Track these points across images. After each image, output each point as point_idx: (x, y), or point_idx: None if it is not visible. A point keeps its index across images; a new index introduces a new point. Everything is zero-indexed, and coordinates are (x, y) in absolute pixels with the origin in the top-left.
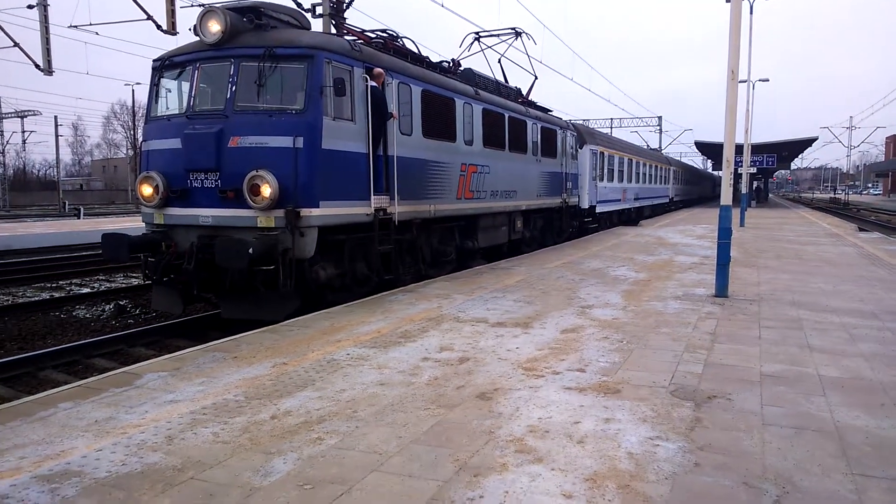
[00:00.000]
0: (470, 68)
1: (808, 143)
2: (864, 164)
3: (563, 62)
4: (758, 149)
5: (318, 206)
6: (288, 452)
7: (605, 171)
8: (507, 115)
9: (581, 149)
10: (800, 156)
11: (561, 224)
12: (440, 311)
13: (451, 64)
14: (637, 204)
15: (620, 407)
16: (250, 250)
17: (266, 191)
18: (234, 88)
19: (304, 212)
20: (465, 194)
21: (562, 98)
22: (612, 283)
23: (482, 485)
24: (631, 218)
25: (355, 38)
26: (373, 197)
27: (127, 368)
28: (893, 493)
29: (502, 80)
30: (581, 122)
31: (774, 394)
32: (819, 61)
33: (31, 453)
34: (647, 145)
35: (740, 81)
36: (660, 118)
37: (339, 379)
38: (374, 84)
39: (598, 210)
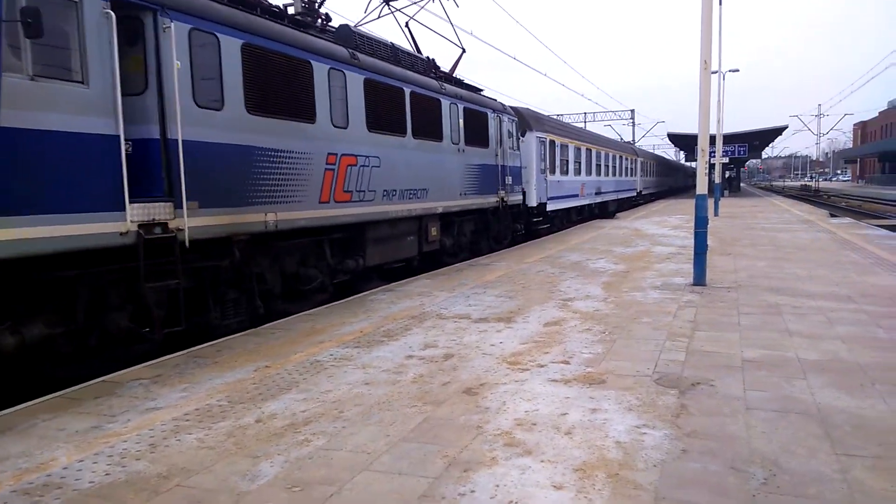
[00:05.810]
0: (347, 25)
1: (778, 131)
2: (833, 152)
3: (539, 58)
4: (729, 139)
5: None
6: (275, 455)
7: (558, 162)
8: (407, 91)
9: (524, 137)
10: (770, 145)
11: (499, 227)
12: (422, 309)
13: (314, 17)
14: (599, 199)
15: (606, 397)
16: None
17: None
18: None
19: None
20: (338, 196)
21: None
22: (591, 275)
23: (472, 479)
24: (593, 214)
25: None
26: (131, 204)
27: (107, 377)
28: (876, 470)
29: (413, 49)
30: (555, 116)
31: (757, 378)
32: (789, 54)
33: (11, 467)
34: (621, 138)
35: (712, 72)
36: (632, 111)
37: (324, 380)
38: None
39: (549, 208)
